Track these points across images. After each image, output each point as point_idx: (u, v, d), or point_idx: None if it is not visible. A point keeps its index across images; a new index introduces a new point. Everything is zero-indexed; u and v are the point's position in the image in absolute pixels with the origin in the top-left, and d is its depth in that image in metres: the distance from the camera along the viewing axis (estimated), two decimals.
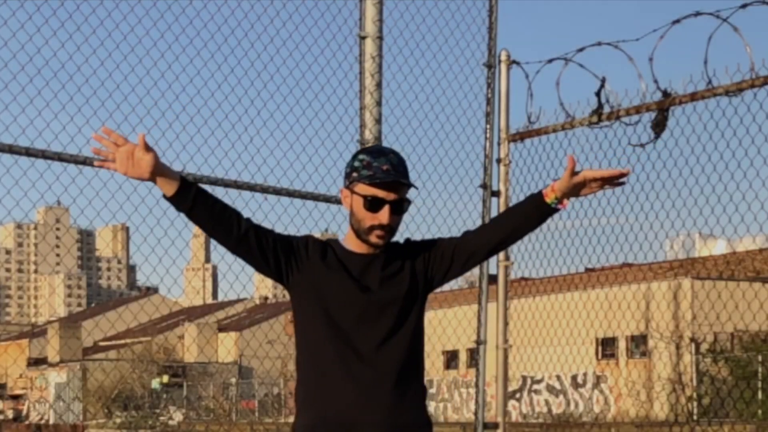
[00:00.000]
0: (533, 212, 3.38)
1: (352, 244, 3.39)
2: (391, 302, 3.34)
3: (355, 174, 3.31)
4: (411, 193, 3.37)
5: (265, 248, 3.32)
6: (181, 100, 5.90)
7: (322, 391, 3.32)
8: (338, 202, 6.02)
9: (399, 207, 3.32)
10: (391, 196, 3.28)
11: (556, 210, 3.35)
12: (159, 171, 3.18)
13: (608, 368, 30.98)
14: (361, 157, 3.33)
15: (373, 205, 3.28)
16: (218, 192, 5.93)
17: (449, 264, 3.42)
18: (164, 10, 5.81)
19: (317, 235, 3.51)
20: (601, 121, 6.68)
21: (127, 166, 3.20)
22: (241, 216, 3.32)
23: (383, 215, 3.29)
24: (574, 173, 3.28)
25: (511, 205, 7.07)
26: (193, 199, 3.21)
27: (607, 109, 6.62)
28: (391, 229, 3.33)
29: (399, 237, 3.44)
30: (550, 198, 3.32)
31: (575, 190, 3.32)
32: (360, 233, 3.34)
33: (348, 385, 3.28)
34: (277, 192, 6.09)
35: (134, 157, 3.18)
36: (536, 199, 3.36)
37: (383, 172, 3.26)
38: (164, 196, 3.22)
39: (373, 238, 3.31)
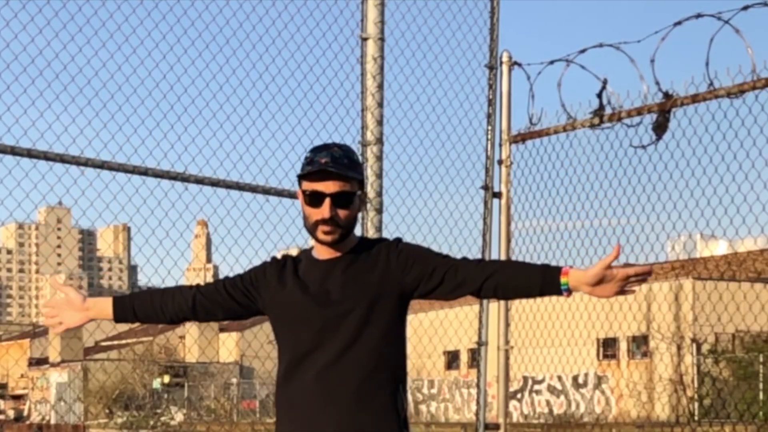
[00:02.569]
0: (538, 277, 3.13)
1: (317, 250, 3.31)
2: (352, 309, 3.20)
3: (300, 172, 3.25)
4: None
5: (224, 302, 3.36)
6: (182, 102, 5.91)
7: (288, 406, 3.25)
8: None
9: (343, 200, 3.19)
10: (331, 189, 3.17)
11: (560, 292, 3.11)
12: (88, 302, 3.41)
13: (609, 369, 30.99)
14: (307, 155, 3.26)
15: (312, 199, 3.19)
16: (220, 194, 5.94)
17: (437, 283, 3.23)
18: (166, 11, 5.82)
19: None
20: (603, 123, 6.68)
21: (70, 317, 3.44)
22: (183, 289, 3.39)
23: (324, 209, 3.17)
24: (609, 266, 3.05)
25: (512, 206, 7.09)
26: (132, 309, 3.40)
27: (608, 111, 6.63)
28: (336, 223, 3.20)
29: (396, 238, 3.33)
30: (563, 279, 3.09)
31: (598, 283, 3.07)
32: (309, 232, 3.26)
33: (307, 400, 3.19)
34: (279, 193, 6.09)
35: (69, 305, 3.44)
36: (551, 270, 3.12)
37: (320, 165, 3.17)
38: (113, 320, 3.44)
39: (320, 235, 3.21)
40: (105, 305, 3.41)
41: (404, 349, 3.31)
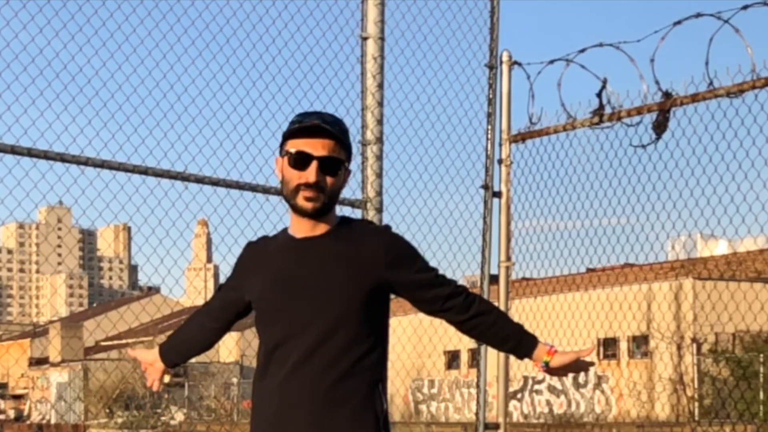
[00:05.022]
0: (514, 340, 3.13)
1: (294, 226, 3.04)
2: (328, 300, 2.94)
3: (284, 134, 3.00)
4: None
5: (227, 314, 3.26)
6: (182, 101, 5.91)
7: (260, 405, 3.07)
8: (342, 203, 6.02)
9: (330, 166, 2.93)
10: (320, 151, 2.91)
11: (521, 358, 3.16)
12: (154, 357, 3.40)
13: (609, 368, 30.98)
14: (293, 119, 3.02)
15: (298, 160, 2.92)
16: (220, 193, 5.94)
17: (422, 300, 3.10)
18: (166, 11, 5.82)
19: None
20: (603, 122, 6.68)
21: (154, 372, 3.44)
22: (194, 321, 3.35)
23: (310, 172, 2.91)
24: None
25: (512, 205, 7.09)
26: (176, 355, 3.38)
27: (608, 110, 6.63)
28: (321, 189, 2.93)
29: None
30: (546, 358, 3.11)
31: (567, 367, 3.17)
32: (289, 198, 2.98)
33: (277, 401, 2.98)
34: (279, 193, 6.05)
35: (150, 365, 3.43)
36: (527, 339, 3.13)
37: (313, 123, 2.95)
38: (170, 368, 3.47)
39: (300, 200, 2.94)
40: (158, 356, 3.42)
41: (385, 346, 3.08)
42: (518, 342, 3.13)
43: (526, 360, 3.22)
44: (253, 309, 3.14)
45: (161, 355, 3.38)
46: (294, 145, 2.95)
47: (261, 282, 3.04)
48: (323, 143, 2.93)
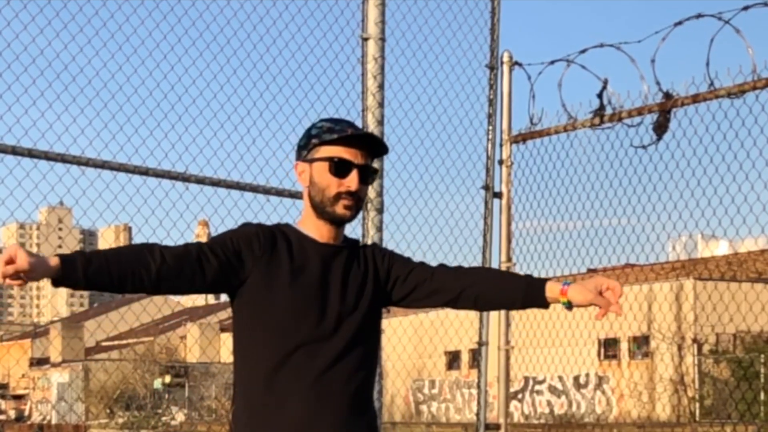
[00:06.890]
0: (520, 291, 2.99)
1: (314, 230, 2.98)
2: (351, 311, 2.94)
3: (315, 140, 2.94)
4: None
5: (193, 276, 2.81)
6: (183, 102, 5.91)
7: (270, 405, 2.89)
8: None
9: (367, 175, 2.96)
10: (360, 160, 2.93)
11: (544, 306, 3.01)
12: (27, 260, 2.60)
13: (610, 369, 30.99)
14: (319, 124, 2.98)
15: (340, 168, 2.91)
16: (220, 194, 5.94)
17: (411, 289, 3.04)
18: (167, 11, 5.82)
19: None
20: (603, 123, 6.69)
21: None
22: (141, 258, 2.74)
23: (352, 180, 2.92)
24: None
25: (513, 206, 7.09)
26: (85, 275, 2.65)
27: (609, 111, 6.63)
28: (359, 198, 2.96)
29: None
30: (562, 299, 2.94)
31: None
32: (324, 206, 2.93)
33: (300, 407, 2.86)
34: (279, 193, 6.10)
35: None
36: (535, 283, 2.99)
37: (364, 131, 3.00)
38: (54, 282, 2.65)
39: (339, 209, 2.92)
40: (50, 263, 2.63)
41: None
42: (525, 293, 2.99)
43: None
44: (250, 299, 2.91)
45: (71, 269, 2.64)
46: (332, 152, 2.93)
47: (285, 276, 2.91)
48: (360, 152, 2.95)
